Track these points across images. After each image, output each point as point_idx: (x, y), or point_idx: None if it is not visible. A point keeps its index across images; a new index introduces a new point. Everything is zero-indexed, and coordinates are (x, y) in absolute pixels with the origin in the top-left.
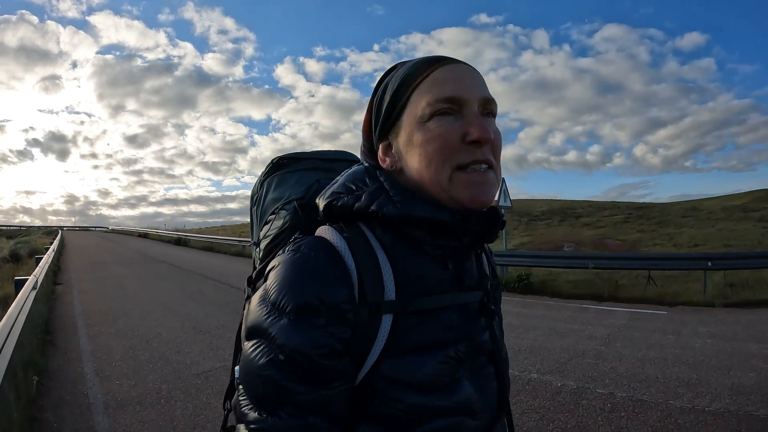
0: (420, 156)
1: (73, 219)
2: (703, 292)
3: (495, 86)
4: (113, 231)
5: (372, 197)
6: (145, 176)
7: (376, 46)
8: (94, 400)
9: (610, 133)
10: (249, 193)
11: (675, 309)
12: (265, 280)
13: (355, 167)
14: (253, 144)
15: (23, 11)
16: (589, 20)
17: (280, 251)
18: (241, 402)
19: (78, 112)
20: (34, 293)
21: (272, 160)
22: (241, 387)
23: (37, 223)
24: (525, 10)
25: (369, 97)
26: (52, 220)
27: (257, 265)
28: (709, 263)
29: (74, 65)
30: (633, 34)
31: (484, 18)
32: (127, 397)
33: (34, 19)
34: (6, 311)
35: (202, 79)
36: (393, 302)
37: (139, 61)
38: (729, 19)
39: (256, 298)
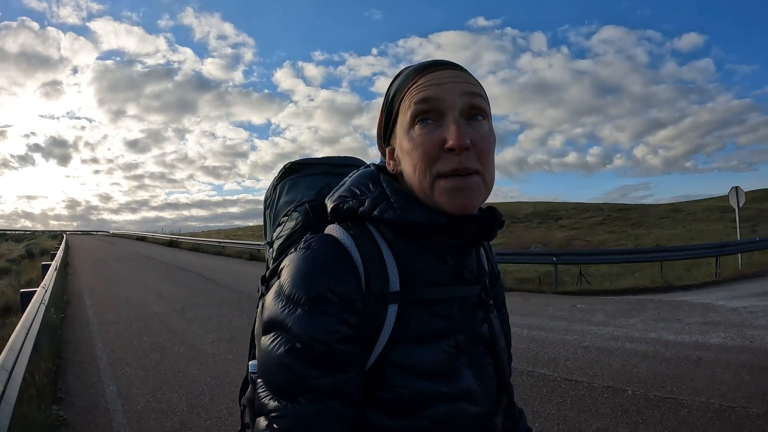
0: (408, 163)
1: (74, 224)
2: (554, 283)
3: (494, 89)
4: (114, 235)
5: (374, 203)
6: (146, 181)
7: (374, 50)
8: (91, 321)
9: (610, 135)
10: (250, 197)
11: (521, 294)
12: (279, 277)
13: (360, 170)
14: (254, 148)
15: (24, 18)
16: (587, 22)
17: (292, 250)
18: (260, 394)
19: (79, 118)
20: (55, 274)
21: (285, 166)
22: (259, 380)
23: (39, 227)
24: (522, 12)
25: (368, 101)
26: (54, 225)
27: (270, 265)
28: (554, 258)
29: (75, 71)
30: (631, 35)
31: (481, 21)
32: (110, 321)
33: (35, 25)
34: (36, 288)
35: (201, 84)
36: (397, 293)
37: (139, 67)
38: (727, 19)
39: (271, 294)
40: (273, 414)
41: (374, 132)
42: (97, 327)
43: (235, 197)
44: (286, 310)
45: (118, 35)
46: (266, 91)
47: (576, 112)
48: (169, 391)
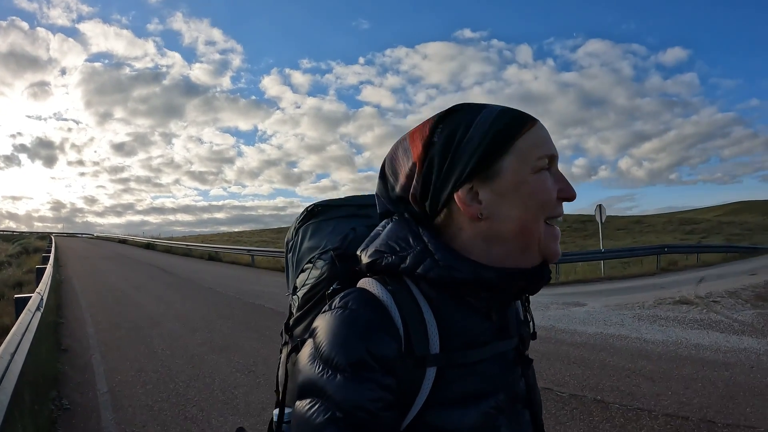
0: (525, 205)
1: (59, 226)
2: None
3: (480, 100)
4: (98, 237)
5: (417, 260)
6: (132, 184)
7: (361, 59)
8: (77, 290)
9: (595, 147)
10: (236, 203)
11: None
12: (313, 337)
13: (394, 221)
14: (240, 154)
15: (14, 17)
16: (573, 35)
17: (326, 307)
18: None
19: (66, 119)
20: (51, 271)
21: (307, 208)
22: None
23: (23, 228)
24: (508, 25)
25: (354, 110)
26: (38, 227)
27: (294, 312)
28: None
29: (63, 72)
30: (616, 49)
31: (468, 33)
32: (88, 291)
33: (25, 25)
34: (42, 275)
35: (189, 89)
36: (437, 356)
37: (127, 70)
38: (711, 34)
39: (305, 355)
40: None
41: (361, 140)
42: (82, 295)
43: (221, 203)
44: (325, 376)
45: (107, 38)
46: (253, 97)
47: (561, 124)
48: (125, 324)
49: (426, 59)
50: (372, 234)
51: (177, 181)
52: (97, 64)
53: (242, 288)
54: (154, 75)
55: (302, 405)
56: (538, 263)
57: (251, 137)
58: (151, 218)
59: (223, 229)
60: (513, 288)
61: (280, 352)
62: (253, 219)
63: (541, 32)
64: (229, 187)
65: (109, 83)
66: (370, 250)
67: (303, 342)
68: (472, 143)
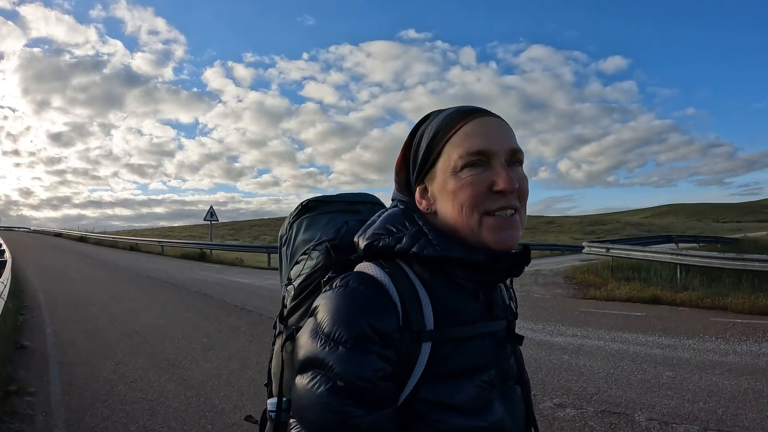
0: (453, 202)
1: None
2: None
3: (423, 99)
4: (35, 231)
5: (413, 240)
6: (69, 177)
7: (305, 55)
8: (26, 267)
9: (536, 149)
10: (176, 197)
11: None
12: (314, 316)
13: (390, 209)
14: (181, 147)
15: None
16: (516, 40)
17: (326, 288)
18: None
19: (2, 107)
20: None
21: (301, 203)
22: (292, 420)
23: None
24: (453, 27)
25: (297, 105)
26: None
27: (288, 303)
28: None
29: (0, 57)
30: (558, 55)
31: (412, 33)
32: (33, 266)
33: None
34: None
35: (130, 78)
36: (432, 331)
37: (67, 57)
38: (650, 46)
39: (306, 333)
40: None
41: (303, 136)
42: (32, 268)
43: (160, 197)
44: (327, 349)
45: (48, 22)
46: (195, 89)
47: None
48: (58, 281)
49: (370, 57)
50: (368, 222)
51: (115, 174)
52: (36, 50)
53: (143, 266)
54: (95, 63)
55: (303, 378)
56: (489, 251)
57: (192, 130)
58: (89, 212)
59: (163, 224)
60: (499, 269)
61: (273, 344)
62: (194, 214)
63: (485, 36)
64: (169, 180)
65: (48, 70)
66: (368, 233)
67: (299, 329)
68: (421, 148)
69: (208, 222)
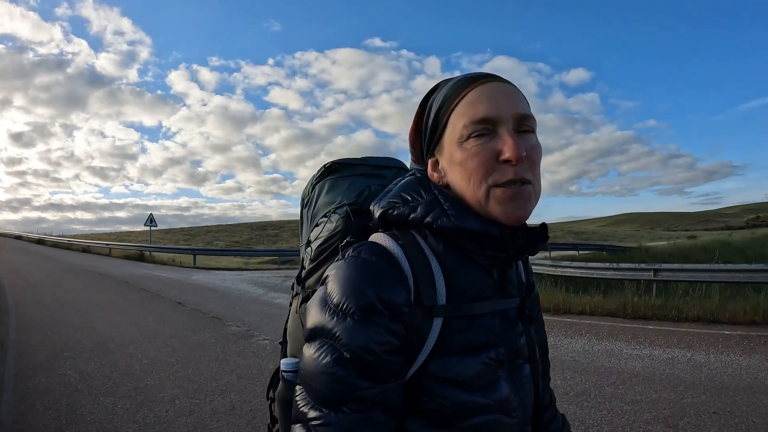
0: (460, 174)
1: None
2: None
3: (388, 107)
4: None
5: (427, 209)
6: (29, 178)
7: (270, 60)
8: None
9: None
10: (138, 201)
11: None
12: (325, 285)
13: (407, 177)
14: (144, 150)
15: None
16: (481, 51)
17: (339, 257)
18: (299, 402)
19: None
20: None
21: (324, 165)
22: (298, 387)
23: None
24: (418, 37)
25: (262, 110)
26: None
27: (306, 265)
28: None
29: None
30: (522, 66)
31: (378, 42)
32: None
33: None
34: None
35: (94, 79)
36: (444, 306)
37: (30, 55)
38: (612, 59)
39: (316, 302)
40: (314, 422)
41: (267, 142)
42: None
43: (122, 201)
44: (335, 319)
45: (13, 18)
46: (159, 92)
47: None
48: (17, 272)
49: (335, 64)
50: (385, 189)
51: (77, 177)
52: None
53: (88, 264)
54: (59, 62)
55: (311, 348)
56: (501, 224)
57: (155, 133)
58: (49, 215)
59: (125, 228)
60: (514, 245)
61: (290, 304)
62: (157, 219)
63: (450, 46)
64: (132, 184)
65: (11, 67)
66: (383, 201)
67: (315, 292)
68: (429, 119)
69: (148, 227)
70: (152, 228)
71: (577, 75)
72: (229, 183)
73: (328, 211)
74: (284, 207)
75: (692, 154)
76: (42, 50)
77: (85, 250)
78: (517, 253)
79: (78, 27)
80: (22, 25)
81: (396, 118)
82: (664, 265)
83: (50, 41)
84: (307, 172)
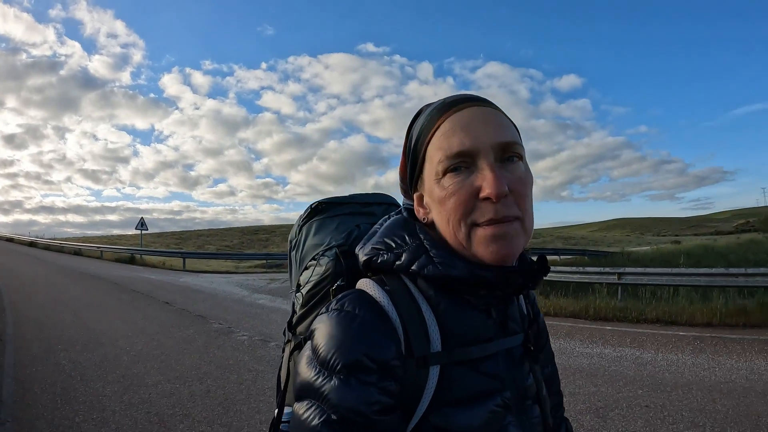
0: (440, 213)
1: None
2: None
3: (380, 112)
4: None
5: (412, 256)
6: (21, 180)
7: (263, 65)
8: None
9: None
10: (130, 205)
11: None
12: (311, 339)
13: (393, 217)
14: (136, 154)
15: None
16: (474, 57)
17: (323, 309)
18: None
19: None
20: None
21: (311, 205)
22: None
23: None
24: (411, 42)
25: (254, 115)
26: None
27: (297, 310)
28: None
29: None
30: (514, 72)
31: (371, 47)
32: None
33: None
34: None
35: (87, 81)
36: (439, 353)
37: (23, 56)
38: (604, 65)
39: (304, 357)
40: None
41: (259, 146)
42: None
43: (114, 204)
44: (321, 378)
45: (6, 19)
46: (152, 95)
47: None
48: (9, 270)
49: (328, 69)
50: (370, 231)
51: (69, 179)
52: None
53: (80, 266)
54: (52, 64)
55: (300, 407)
56: (488, 263)
57: (148, 137)
58: (41, 218)
59: (116, 231)
60: (511, 286)
61: (283, 351)
62: (148, 223)
63: (443, 51)
64: (123, 188)
65: (4, 69)
66: (367, 248)
67: (306, 340)
68: (410, 152)
69: (139, 231)
70: (143, 231)
71: (569, 81)
72: (221, 187)
73: (317, 254)
74: (276, 211)
75: (683, 159)
76: (35, 52)
77: (77, 252)
78: (515, 290)
79: (71, 29)
80: (16, 26)
81: (388, 123)
82: (628, 269)
83: (43, 43)
84: (299, 177)
